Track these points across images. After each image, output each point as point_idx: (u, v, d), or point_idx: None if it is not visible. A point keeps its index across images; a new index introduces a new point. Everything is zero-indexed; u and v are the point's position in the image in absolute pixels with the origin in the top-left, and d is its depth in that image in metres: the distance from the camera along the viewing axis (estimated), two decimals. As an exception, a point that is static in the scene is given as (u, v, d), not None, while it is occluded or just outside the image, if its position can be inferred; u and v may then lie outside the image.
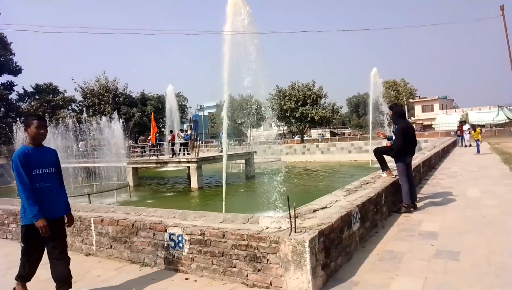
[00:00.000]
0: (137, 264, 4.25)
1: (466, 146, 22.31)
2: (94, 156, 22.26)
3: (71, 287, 3.24)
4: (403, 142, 5.84)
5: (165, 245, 4.00)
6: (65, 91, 39.81)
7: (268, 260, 3.29)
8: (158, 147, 24.16)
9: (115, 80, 41.27)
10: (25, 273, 3.31)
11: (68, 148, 23.59)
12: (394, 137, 6.14)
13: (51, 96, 37.70)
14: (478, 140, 17.63)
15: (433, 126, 53.44)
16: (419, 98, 66.57)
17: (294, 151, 36.60)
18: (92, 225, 4.73)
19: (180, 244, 3.88)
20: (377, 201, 5.13)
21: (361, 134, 47.97)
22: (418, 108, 65.62)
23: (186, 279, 3.70)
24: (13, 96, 35.48)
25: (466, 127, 23.08)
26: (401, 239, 4.50)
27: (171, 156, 22.41)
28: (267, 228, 3.57)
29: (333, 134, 58.97)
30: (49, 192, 3.21)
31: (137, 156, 23.23)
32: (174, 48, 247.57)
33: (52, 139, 19.54)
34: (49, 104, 36.38)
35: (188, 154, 21.40)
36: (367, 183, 6.13)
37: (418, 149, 13.12)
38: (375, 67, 28.74)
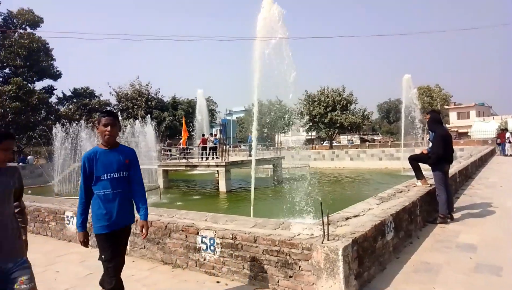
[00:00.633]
0: (169, 265, 4.33)
1: (506, 155, 21.20)
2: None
3: None
4: (443, 150, 5.64)
5: (197, 247, 4.06)
6: (100, 95, 41.38)
7: (300, 267, 3.26)
8: (188, 151, 24.62)
9: (147, 85, 42.54)
10: (114, 287, 2.89)
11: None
12: (431, 145, 5.94)
13: (87, 99, 39.31)
14: (519, 149, 16.75)
15: (469, 133, 51.22)
16: (454, 105, 64.12)
17: (322, 157, 36.14)
18: (127, 225, 4.87)
19: (212, 247, 3.93)
20: (411, 210, 4.98)
21: (392, 141, 46.73)
22: (453, 115, 63.22)
23: (217, 282, 3.74)
24: (53, 99, 37.33)
25: (507, 135, 21.87)
26: (438, 251, 4.34)
27: (201, 159, 22.74)
28: (299, 234, 3.54)
29: (363, 140, 57.74)
30: (117, 200, 2.85)
31: (170, 159, 23.78)
32: (204, 52, 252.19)
33: (89, 142, 20.39)
34: (86, 107, 37.95)
35: (217, 158, 21.65)
36: (401, 191, 5.97)
37: (454, 157, 12.63)
38: (407, 72, 27.98)
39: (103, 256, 2.86)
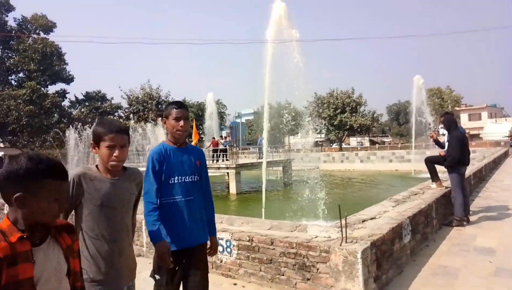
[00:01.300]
0: (185, 267, 4.36)
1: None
2: (139, 160, 23.20)
3: None
4: (459, 152, 5.59)
5: (214, 249, 4.08)
6: (112, 98, 41.86)
7: (317, 269, 3.26)
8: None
9: (158, 88, 42.90)
10: None
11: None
12: (447, 147, 5.89)
13: (99, 103, 39.82)
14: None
15: (480, 135, 50.52)
16: (466, 106, 63.28)
17: (332, 159, 35.98)
18: (143, 226, 4.92)
19: (228, 249, 3.95)
20: (427, 213, 4.95)
21: (402, 143, 46.29)
22: (464, 117, 62.38)
23: (234, 284, 3.75)
24: (66, 103, 37.89)
25: None
26: (455, 254, 4.30)
27: (211, 161, 22.82)
28: (316, 237, 3.54)
29: (372, 142, 57.34)
30: (190, 209, 2.35)
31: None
32: (214, 55, 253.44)
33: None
34: (98, 110, 38.42)
35: (227, 160, 21.71)
36: (416, 194, 5.92)
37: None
38: (418, 74, 27.75)
39: (156, 277, 2.29)
